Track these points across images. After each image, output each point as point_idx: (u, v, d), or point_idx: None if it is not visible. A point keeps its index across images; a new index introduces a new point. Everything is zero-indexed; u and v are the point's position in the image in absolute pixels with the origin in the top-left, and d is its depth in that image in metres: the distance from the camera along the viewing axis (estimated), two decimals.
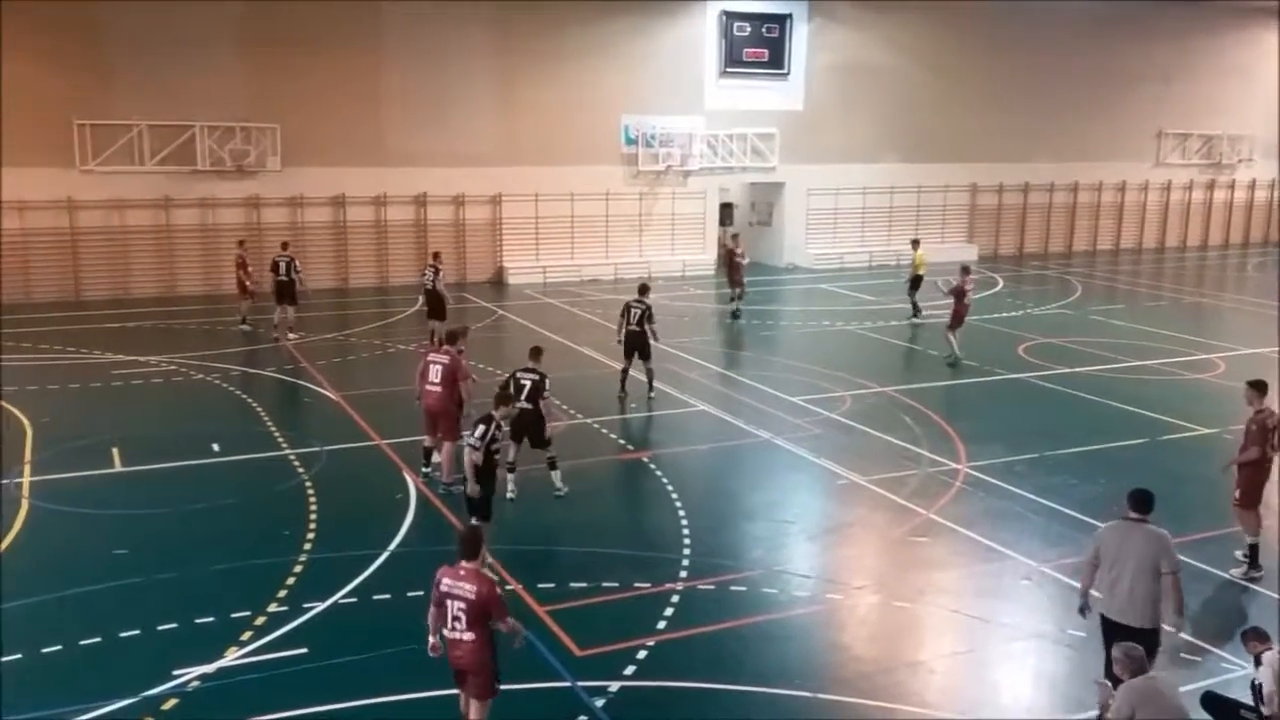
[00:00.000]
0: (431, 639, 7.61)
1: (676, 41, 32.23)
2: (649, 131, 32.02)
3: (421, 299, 22.79)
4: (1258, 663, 7.83)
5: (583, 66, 30.94)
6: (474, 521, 10.61)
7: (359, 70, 28.86)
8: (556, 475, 13.25)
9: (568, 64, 30.75)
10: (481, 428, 10.82)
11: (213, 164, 27.79)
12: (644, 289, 18.42)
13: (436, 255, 22.91)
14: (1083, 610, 8.63)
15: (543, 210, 31.46)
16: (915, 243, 26.23)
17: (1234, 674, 8.95)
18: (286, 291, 22.49)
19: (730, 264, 26.36)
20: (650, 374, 17.81)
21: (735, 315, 25.72)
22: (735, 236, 27.97)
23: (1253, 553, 11.32)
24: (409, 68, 29.26)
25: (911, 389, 18.87)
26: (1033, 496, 13.38)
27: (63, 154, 26.52)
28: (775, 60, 33.61)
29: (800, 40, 33.70)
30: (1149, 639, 8.15)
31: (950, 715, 8.73)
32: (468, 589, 7.36)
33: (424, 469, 13.85)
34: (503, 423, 11.19)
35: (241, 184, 28.28)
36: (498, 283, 30.76)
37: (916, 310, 25.22)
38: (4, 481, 13.62)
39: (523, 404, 12.70)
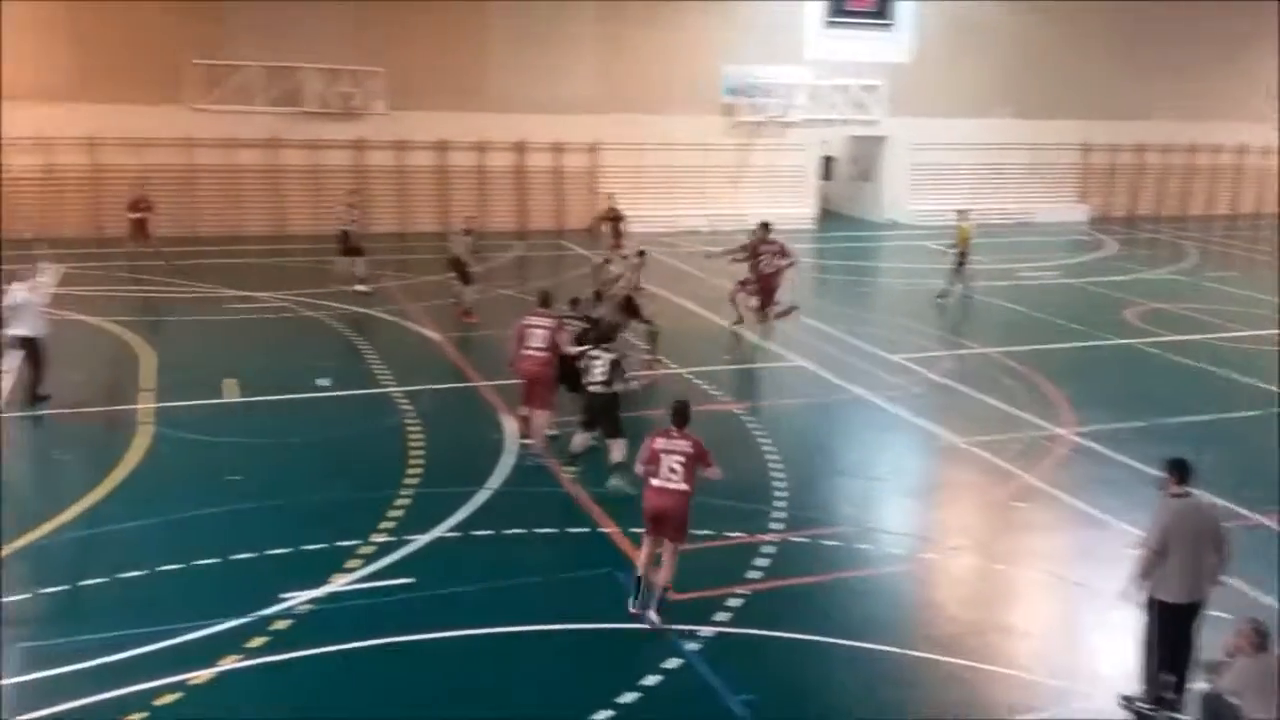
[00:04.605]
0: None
1: None
2: (749, 81, 31.59)
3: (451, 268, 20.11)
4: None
5: (686, 10, 30.63)
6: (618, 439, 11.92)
7: (464, 12, 29.03)
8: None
9: (669, 11, 30.47)
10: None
11: (320, 106, 28.37)
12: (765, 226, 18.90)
13: (471, 219, 21.22)
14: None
15: (640, 160, 31.37)
16: (962, 213, 22.49)
17: None
18: (350, 243, 21.73)
19: (615, 226, 23.64)
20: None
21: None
22: (612, 195, 25.25)
23: None
24: (512, 9, 29.33)
25: (1013, 351, 18.49)
26: (1139, 465, 13.05)
27: (179, 92, 27.27)
28: (882, 10, 32.85)
29: None
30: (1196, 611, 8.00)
31: (1041, 679, 8.67)
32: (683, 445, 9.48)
33: (523, 439, 13.02)
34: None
35: (348, 126, 28.79)
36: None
37: (946, 291, 22.18)
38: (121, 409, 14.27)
39: (595, 386, 11.98)
